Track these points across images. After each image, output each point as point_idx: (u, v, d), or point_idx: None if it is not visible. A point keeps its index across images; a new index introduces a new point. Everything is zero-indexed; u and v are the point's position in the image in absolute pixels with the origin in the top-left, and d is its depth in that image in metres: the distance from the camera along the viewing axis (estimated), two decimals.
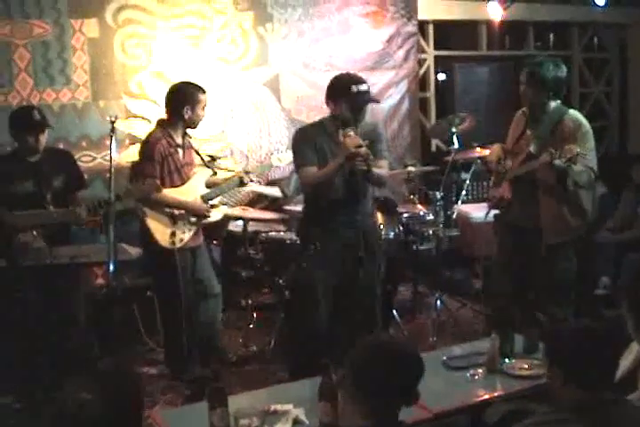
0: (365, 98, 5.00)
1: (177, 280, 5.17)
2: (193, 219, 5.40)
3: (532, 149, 5.19)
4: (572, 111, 5.26)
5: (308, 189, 5.06)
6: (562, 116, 5.20)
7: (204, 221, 5.47)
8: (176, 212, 5.31)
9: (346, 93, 4.92)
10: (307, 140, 5.02)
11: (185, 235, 5.35)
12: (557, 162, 4.84)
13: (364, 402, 2.53)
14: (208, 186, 5.56)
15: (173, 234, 5.20)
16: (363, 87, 4.94)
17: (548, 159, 4.89)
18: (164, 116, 5.45)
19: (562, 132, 5.14)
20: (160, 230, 5.26)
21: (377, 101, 5.31)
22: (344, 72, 5.29)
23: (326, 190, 5.00)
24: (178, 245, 5.23)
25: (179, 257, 5.18)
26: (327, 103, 5.06)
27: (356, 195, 5.11)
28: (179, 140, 5.39)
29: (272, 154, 7.44)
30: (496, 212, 5.72)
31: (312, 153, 4.98)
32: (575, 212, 5.21)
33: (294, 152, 5.13)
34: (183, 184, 5.41)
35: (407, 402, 2.59)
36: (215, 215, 5.57)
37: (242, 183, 5.66)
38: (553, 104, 5.23)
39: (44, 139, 5.10)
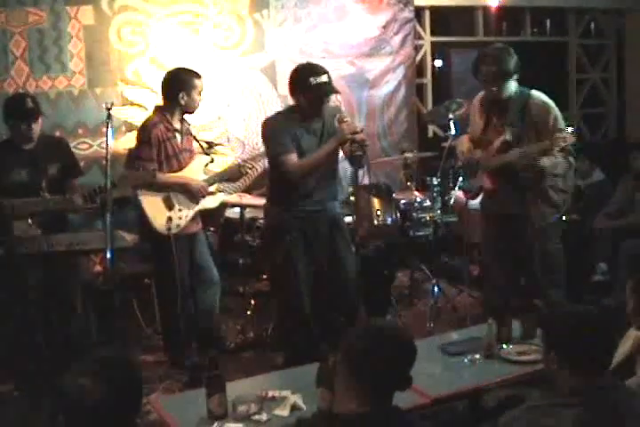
0: (323, 90, 4.92)
1: (173, 267, 5.18)
2: (191, 199, 5.39)
3: (507, 137, 5.18)
4: (534, 93, 5.24)
5: (295, 178, 4.98)
6: (526, 99, 5.19)
7: (202, 207, 5.47)
8: (172, 197, 5.31)
9: (303, 86, 4.89)
10: (283, 129, 4.99)
11: (181, 221, 5.35)
12: (526, 161, 4.93)
13: (358, 388, 2.53)
14: (206, 174, 5.56)
15: (170, 219, 5.21)
16: (321, 79, 4.88)
17: (514, 159, 4.96)
18: (160, 102, 5.45)
19: (531, 117, 5.14)
20: (156, 216, 5.27)
21: (337, 92, 5.15)
22: (303, 62, 5.24)
23: (307, 177, 5.00)
24: (174, 230, 5.23)
25: (175, 243, 5.18)
26: (291, 95, 5.06)
27: (331, 180, 5.14)
28: (177, 126, 5.39)
29: None
30: (477, 200, 5.75)
31: (289, 141, 4.95)
32: (554, 189, 5.25)
33: (270, 141, 5.07)
34: (181, 170, 5.40)
35: (401, 387, 2.59)
36: (212, 202, 5.56)
37: (240, 173, 5.64)
38: (514, 88, 5.21)
39: (37, 127, 5.08)
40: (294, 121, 5.02)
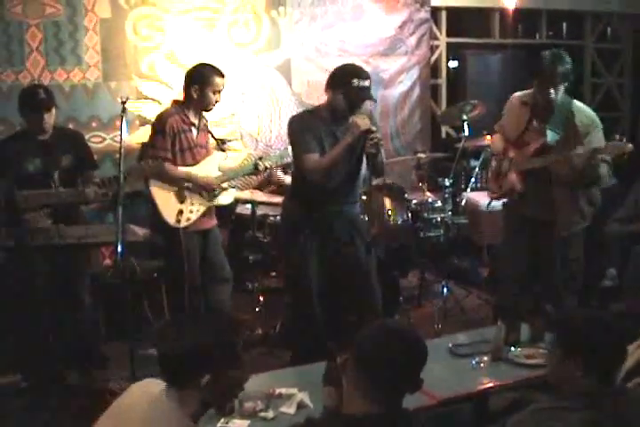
0: (363, 94, 4.90)
1: (182, 262, 5.19)
2: (201, 198, 5.40)
3: (549, 139, 5.15)
4: (577, 102, 5.24)
5: (315, 177, 4.95)
6: (569, 107, 5.18)
7: (215, 203, 5.47)
8: (185, 191, 5.32)
9: (345, 85, 4.86)
10: (307, 128, 4.97)
11: (192, 215, 5.34)
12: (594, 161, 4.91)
13: (368, 388, 2.51)
14: (220, 171, 5.55)
15: (180, 212, 5.21)
16: (364, 83, 4.86)
17: (578, 160, 4.92)
18: (176, 97, 5.48)
19: (575, 125, 5.11)
20: (167, 207, 5.27)
21: (374, 100, 5.14)
22: (351, 63, 5.24)
23: (327, 179, 4.98)
24: (184, 223, 5.24)
25: (185, 238, 5.19)
26: (326, 90, 5.01)
27: (351, 184, 5.13)
28: (193, 120, 5.39)
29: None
30: (503, 200, 5.72)
31: (313, 141, 4.94)
32: (588, 200, 5.25)
33: (294, 140, 5.05)
34: (195, 164, 5.40)
35: (411, 389, 2.58)
36: (225, 199, 5.56)
37: (256, 169, 5.63)
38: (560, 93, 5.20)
39: (49, 118, 5.08)
40: (321, 122, 5.00)
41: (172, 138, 5.25)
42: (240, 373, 2.70)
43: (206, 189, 5.40)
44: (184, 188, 5.31)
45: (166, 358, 2.60)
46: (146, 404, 2.58)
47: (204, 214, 5.42)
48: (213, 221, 5.60)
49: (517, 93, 5.44)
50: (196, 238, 5.40)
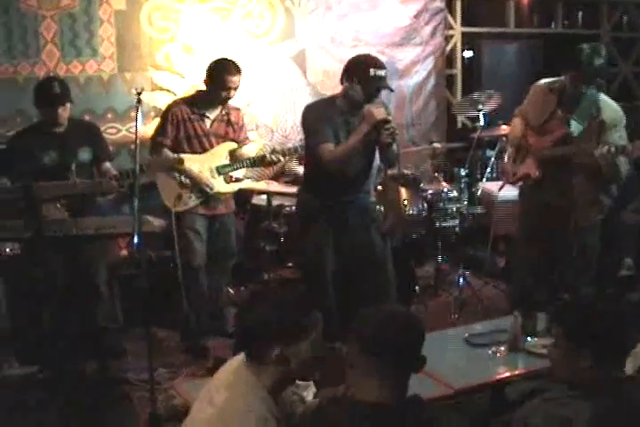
0: (380, 84, 4.88)
1: (186, 248, 5.35)
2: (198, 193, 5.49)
3: (572, 130, 5.15)
4: (605, 98, 5.23)
5: (332, 167, 4.91)
6: (597, 100, 5.17)
7: (216, 190, 5.54)
8: (183, 178, 5.43)
9: (363, 75, 4.84)
10: (323, 117, 4.95)
11: (191, 200, 5.47)
12: (615, 158, 4.92)
13: (374, 372, 2.52)
14: (233, 159, 5.58)
15: (179, 197, 5.28)
16: (381, 72, 4.84)
17: (603, 152, 4.90)
18: (190, 88, 5.54)
19: (602, 121, 5.11)
20: (167, 191, 5.43)
21: (391, 90, 5.10)
22: (366, 53, 5.22)
23: (343, 169, 4.97)
24: (181, 208, 5.35)
25: (186, 220, 5.40)
26: (341, 81, 4.99)
27: (365, 174, 5.12)
28: (208, 111, 5.48)
29: None
30: (519, 189, 5.72)
31: (329, 131, 4.92)
32: (605, 191, 5.25)
33: (309, 129, 5.04)
34: (204, 152, 5.50)
35: (415, 368, 2.60)
36: (225, 187, 5.60)
37: (263, 162, 5.63)
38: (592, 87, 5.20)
39: (64, 112, 5.08)
40: (337, 111, 4.98)
41: (177, 126, 5.39)
42: (314, 344, 2.74)
43: (202, 189, 5.48)
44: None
45: (238, 330, 2.89)
46: (231, 370, 2.85)
47: (213, 201, 5.56)
48: (224, 210, 5.69)
49: (544, 80, 5.41)
50: (201, 222, 5.54)
